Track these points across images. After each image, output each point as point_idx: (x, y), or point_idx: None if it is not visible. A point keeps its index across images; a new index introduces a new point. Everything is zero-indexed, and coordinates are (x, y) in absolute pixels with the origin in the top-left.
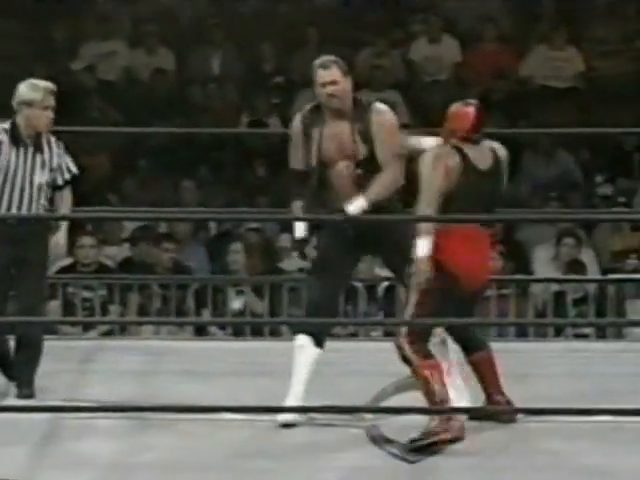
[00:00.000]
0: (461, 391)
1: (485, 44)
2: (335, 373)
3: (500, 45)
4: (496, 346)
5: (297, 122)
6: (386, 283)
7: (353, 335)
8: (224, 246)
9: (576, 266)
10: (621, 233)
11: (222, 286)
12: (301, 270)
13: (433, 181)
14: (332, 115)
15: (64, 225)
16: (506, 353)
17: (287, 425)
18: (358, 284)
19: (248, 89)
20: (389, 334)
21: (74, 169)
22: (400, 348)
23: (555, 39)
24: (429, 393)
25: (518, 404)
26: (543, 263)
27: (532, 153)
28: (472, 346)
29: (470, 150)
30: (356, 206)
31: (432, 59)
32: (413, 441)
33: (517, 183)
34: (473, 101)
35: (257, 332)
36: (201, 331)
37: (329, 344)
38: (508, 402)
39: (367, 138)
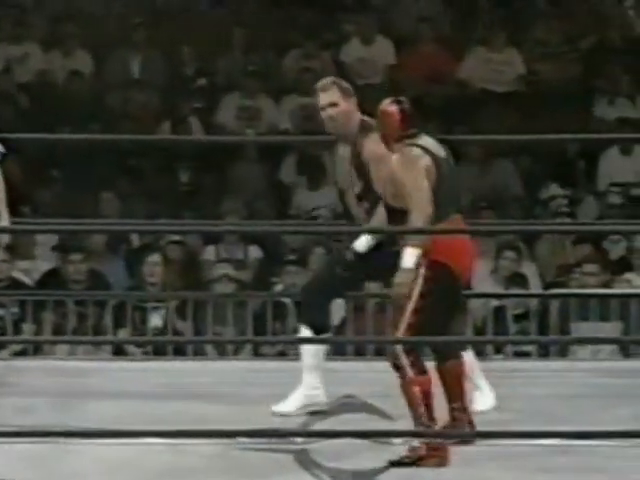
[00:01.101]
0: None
1: (421, 46)
2: (265, 394)
3: (437, 47)
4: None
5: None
6: None
7: (282, 354)
8: (143, 259)
9: (517, 280)
10: (564, 246)
11: (142, 302)
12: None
13: (421, 185)
14: (339, 139)
15: None
16: None
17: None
18: (287, 300)
19: (170, 93)
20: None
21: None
22: (395, 356)
23: (494, 41)
24: (414, 408)
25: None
26: (482, 277)
27: (467, 161)
28: (445, 354)
29: (423, 143)
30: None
31: (365, 61)
32: (396, 462)
33: None
34: (388, 100)
35: (180, 351)
36: (120, 350)
37: (255, 364)
38: (470, 422)
39: (358, 163)
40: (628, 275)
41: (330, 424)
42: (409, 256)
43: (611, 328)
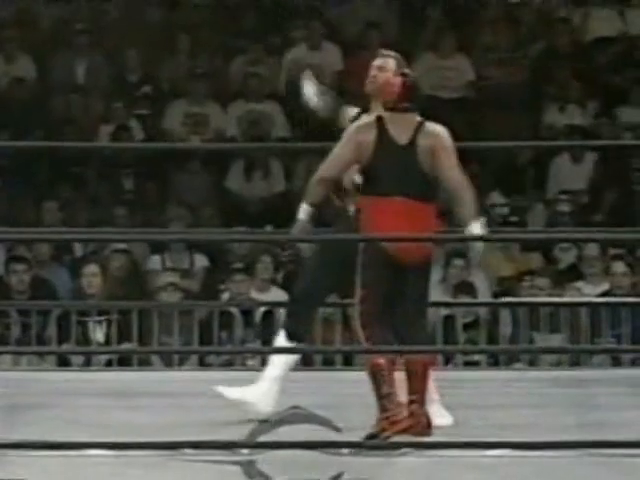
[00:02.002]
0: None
1: (369, 52)
2: (210, 405)
3: None
4: None
5: None
6: (263, 308)
7: (228, 364)
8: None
9: (466, 289)
10: (512, 254)
11: (84, 316)
12: (179, 291)
13: (338, 153)
14: (372, 107)
15: None
16: None
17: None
18: (234, 309)
19: (114, 99)
20: (266, 363)
21: None
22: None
23: (442, 47)
24: (376, 386)
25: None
26: (431, 286)
27: None
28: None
29: (392, 123)
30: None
31: (312, 67)
32: (370, 437)
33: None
34: (406, 70)
35: (125, 362)
36: (64, 361)
37: (202, 374)
38: (427, 417)
39: None
40: (578, 283)
41: (277, 435)
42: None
43: (561, 337)
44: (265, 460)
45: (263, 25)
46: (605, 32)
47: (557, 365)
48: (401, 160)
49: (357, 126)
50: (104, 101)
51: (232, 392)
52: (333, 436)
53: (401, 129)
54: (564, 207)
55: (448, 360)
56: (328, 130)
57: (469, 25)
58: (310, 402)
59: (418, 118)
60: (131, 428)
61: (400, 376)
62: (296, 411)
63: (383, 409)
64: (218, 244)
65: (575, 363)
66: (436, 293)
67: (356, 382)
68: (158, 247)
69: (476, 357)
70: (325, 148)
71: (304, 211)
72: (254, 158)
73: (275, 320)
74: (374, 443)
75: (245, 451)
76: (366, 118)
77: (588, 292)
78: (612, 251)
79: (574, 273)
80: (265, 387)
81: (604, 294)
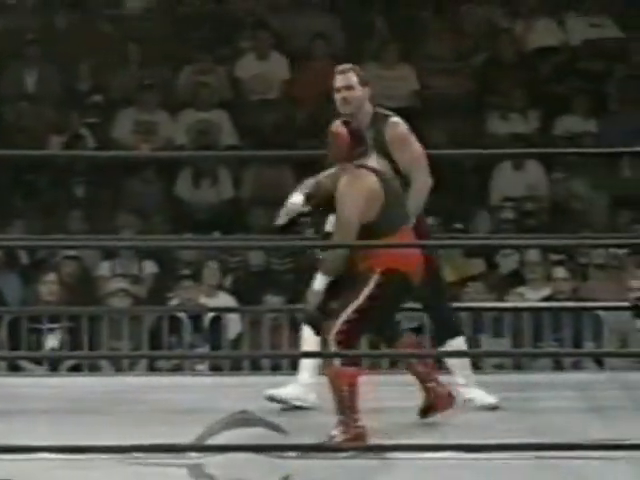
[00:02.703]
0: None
1: (316, 62)
2: (160, 409)
3: (331, 63)
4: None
5: None
6: (212, 314)
7: (177, 369)
8: (38, 275)
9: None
10: (455, 260)
11: (37, 323)
12: (129, 296)
13: (355, 210)
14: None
15: None
16: None
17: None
18: (182, 315)
19: (65, 108)
20: (215, 368)
21: None
22: (327, 345)
23: (386, 57)
24: (339, 399)
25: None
26: None
27: None
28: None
29: (370, 163)
30: None
31: (260, 77)
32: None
33: None
34: (338, 122)
35: (76, 367)
36: (15, 367)
37: (151, 379)
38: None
39: (384, 152)
40: (520, 289)
41: (225, 439)
42: (319, 280)
43: (504, 342)
44: (213, 463)
45: (212, 35)
46: (546, 42)
47: (500, 369)
48: (397, 194)
49: (362, 174)
50: (55, 110)
51: (281, 392)
52: (281, 439)
53: (382, 167)
54: (507, 214)
55: (393, 364)
56: (275, 139)
57: (413, 35)
58: (258, 406)
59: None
60: (83, 432)
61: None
62: (244, 415)
63: (343, 421)
64: (167, 251)
65: (518, 367)
66: None
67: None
68: (108, 254)
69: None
70: (272, 157)
71: (321, 282)
72: (203, 166)
73: (223, 325)
74: (320, 446)
75: (194, 454)
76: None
77: (530, 297)
78: (553, 257)
79: (516, 278)
80: (305, 378)
81: (546, 299)
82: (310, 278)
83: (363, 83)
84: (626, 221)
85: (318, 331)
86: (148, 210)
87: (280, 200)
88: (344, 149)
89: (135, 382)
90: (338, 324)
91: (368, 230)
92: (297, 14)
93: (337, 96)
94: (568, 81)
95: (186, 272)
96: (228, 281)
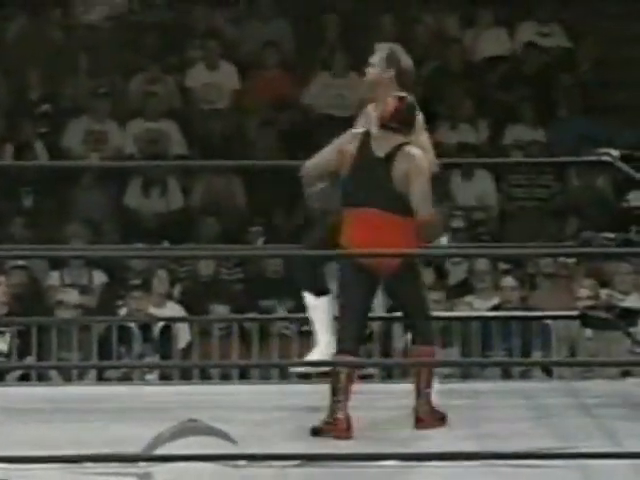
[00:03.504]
0: None
1: (266, 71)
2: (109, 419)
3: (281, 72)
4: (278, 388)
5: None
6: (162, 323)
7: (127, 378)
8: None
9: None
10: None
11: None
12: (78, 307)
13: (323, 151)
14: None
15: None
16: (291, 395)
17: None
18: (132, 324)
19: (14, 117)
20: (165, 377)
21: None
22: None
23: (336, 65)
24: (333, 388)
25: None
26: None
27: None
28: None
29: (378, 137)
30: None
31: (210, 86)
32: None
33: (294, 216)
34: (403, 94)
35: (24, 377)
36: None
37: (102, 389)
38: (348, 419)
39: None
40: (469, 298)
41: (174, 448)
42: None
43: (453, 351)
44: (162, 472)
45: (162, 44)
46: (496, 51)
47: (449, 378)
48: (377, 173)
49: (345, 134)
50: (5, 119)
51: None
52: (230, 448)
53: (384, 145)
54: (457, 223)
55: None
56: (224, 148)
57: (364, 44)
58: (207, 415)
59: (402, 139)
60: (29, 441)
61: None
62: (193, 424)
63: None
64: (117, 260)
65: (467, 376)
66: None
67: (252, 395)
68: (57, 263)
69: (370, 370)
70: (221, 166)
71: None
72: (152, 176)
73: (172, 335)
74: (269, 455)
75: (143, 464)
76: (355, 130)
77: (479, 306)
78: (502, 266)
79: (465, 287)
80: (326, 339)
81: (494, 308)
82: (257, 287)
83: (389, 66)
84: (574, 229)
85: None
86: (97, 220)
87: (229, 210)
88: (385, 116)
89: (84, 392)
90: None
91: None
92: (247, 22)
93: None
94: (517, 90)
95: (136, 282)
96: (177, 291)
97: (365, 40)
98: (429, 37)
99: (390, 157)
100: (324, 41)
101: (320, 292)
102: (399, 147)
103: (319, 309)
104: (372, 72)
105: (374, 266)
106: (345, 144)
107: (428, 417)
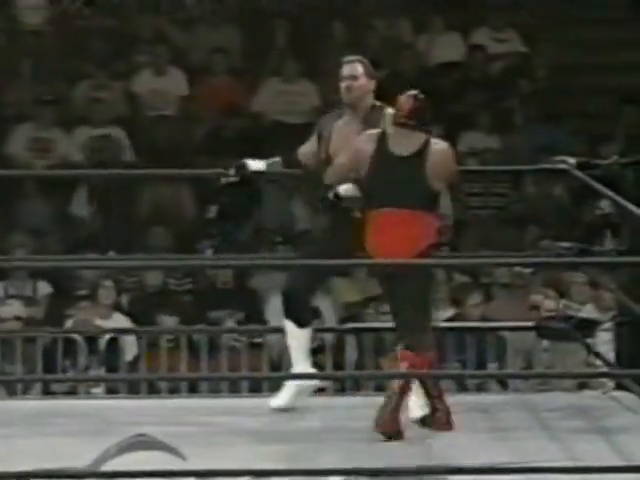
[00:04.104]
0: None
1: (215, 77)
2: (55, 433)
3: (230, 78)
4: (228, 403)
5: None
6: (108, 335)
7: (72, 392)
8: None
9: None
10: (358, 280)
11: None
12: (16, 319)
13: (339, 160)
14: (348, 112)
15: None
16: (239, 409)
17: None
18: (77, 337)
19: None
20: (111, 391)
21: None
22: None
23: (287, 72)
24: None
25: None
26: (277, 312)
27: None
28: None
29: (395, 138)
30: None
31: (157, 92)
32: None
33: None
34: (415, 92)
35: None
36: None
37: (47, 403)
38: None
39: None
40: None
41: (122, 463)
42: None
43: None
44: None
45: (108, 50)
46: (450, 57)
47: None
48: (401, 172)
49: (361, 136)
50: None
51: (283, 397)
52: (179, 464)
53: (404, 143)
54: None
55: None
56: (172, 156)
57: (314, 50)
58: (155, 430)
59: (424, 135)
60: None
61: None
62: (141, 439)
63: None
64: (62, 271)
65: None
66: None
67: (201, 410)
68: (1, 274)
69: (322, 383)
70: (168, 175)
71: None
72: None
73: (119, 347)
74: (218, 471)
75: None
76: (372, 131)
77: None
78: (458, 277)
79: None
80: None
81: (450, 319)
82: (207, 299)
83: (370, 75)
84: (532, 238)
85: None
86: (42, 229)
87: (177, 219)
88: (402, 114)
89: (28, 406)
90: None
91: None
92: (195, 28)
93: (342, 84)
94: (471, 96)
95: (82, 293)
96: (124, 301)
97: (316, 46)
98: (381, 43)
99: (420, 154)
100: (274, 47)
101: (303, 323)
102: (426, 143)
103: (298, 339)
104: (361, 83)
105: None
106: (361, 145)
107: (386, 425)
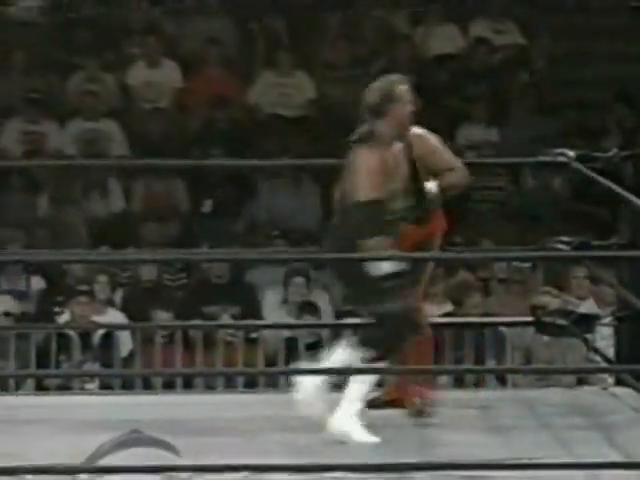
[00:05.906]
0: None
1: (209, 69)
2: (47, 429)
3: (224, 70)
4: (224, 398)
5: None
6: (102, 331)
7: (66, 388)
8: None
9: (308, 309)
10: None
11: None
12: (7, 314)
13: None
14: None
15: None
16: (235, 405)
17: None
18: (71, 332)
19: None
20: (106, 386)
21: None
22: None
23: (281, 63)
24: None
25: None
26: (273, 307)
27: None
28: None
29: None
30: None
31: (151, 84)
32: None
33: (240, 219)
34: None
35: None
36: None
37: (40, 399)
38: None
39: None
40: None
41: (116, 459)
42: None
43: None
44: None
45: (100, 42)
46: (447, 49)
47: None
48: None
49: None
50: None
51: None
52: (174, 460)
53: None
54: None
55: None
56: (166, 148)
57: (310, 41)
58: (150, 426)
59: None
60: None
61: None
62: (136, 435)
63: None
64: (55, 266)
65: None
66: (279, 314)
67: (197, 405)
68: None
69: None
70: (163, 166)
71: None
72: (92, 177)
73: (114, 342)
74: (213, 466)
75: (84, 476)
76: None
77: (431, 313)
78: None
79: None
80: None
81: (447, 315)
82: (202, 293)
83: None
84: (531, 232)
85: None
86: (34, 224)
87: (171, 213)
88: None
89: (22, 402)
90: None
91: None
92: (189, 19)
93: (408, 108)
94: (469, 89)
95: (75, 288)
96: (118, 297)
97: (311, 37)
98: (377, 34)
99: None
100: (269, 38)
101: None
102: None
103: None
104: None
105: None
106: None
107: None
